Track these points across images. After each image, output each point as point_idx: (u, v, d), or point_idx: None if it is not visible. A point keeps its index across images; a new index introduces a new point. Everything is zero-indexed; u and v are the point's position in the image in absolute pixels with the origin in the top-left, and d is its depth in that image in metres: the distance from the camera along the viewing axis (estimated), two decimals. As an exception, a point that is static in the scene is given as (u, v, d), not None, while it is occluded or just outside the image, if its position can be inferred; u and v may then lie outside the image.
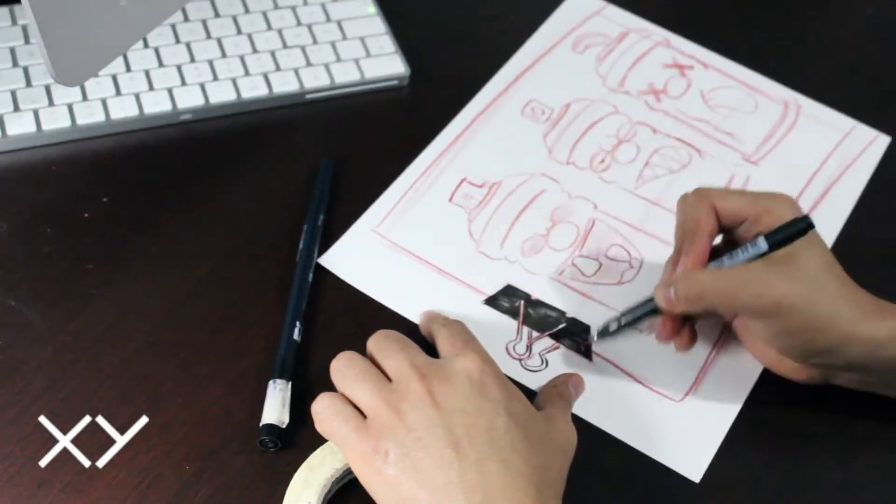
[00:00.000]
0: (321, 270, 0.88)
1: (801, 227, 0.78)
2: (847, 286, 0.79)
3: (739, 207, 0.81)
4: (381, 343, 0.77)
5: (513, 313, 0.88)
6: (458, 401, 0.72)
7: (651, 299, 0.81)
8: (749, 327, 0.83)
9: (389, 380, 0.74)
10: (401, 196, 0.94)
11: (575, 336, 0.87)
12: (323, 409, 0.74)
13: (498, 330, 0.87)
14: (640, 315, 0.82)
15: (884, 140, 1.03)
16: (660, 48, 1.08)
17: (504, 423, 0.71)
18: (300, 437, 0.78)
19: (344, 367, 0.76)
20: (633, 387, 0.85)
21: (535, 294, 0.89)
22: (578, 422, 0.82)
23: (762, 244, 0.78)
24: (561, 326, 0.87)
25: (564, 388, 0.81)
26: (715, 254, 0.82)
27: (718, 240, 0.84)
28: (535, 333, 0.87)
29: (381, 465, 0.70)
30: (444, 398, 0.72)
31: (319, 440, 0.76)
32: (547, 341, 0.86)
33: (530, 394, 0.82)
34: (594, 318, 0.88)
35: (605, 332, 0.84)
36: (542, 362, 0.85)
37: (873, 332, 0.77)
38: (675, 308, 0.79)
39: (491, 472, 0.69)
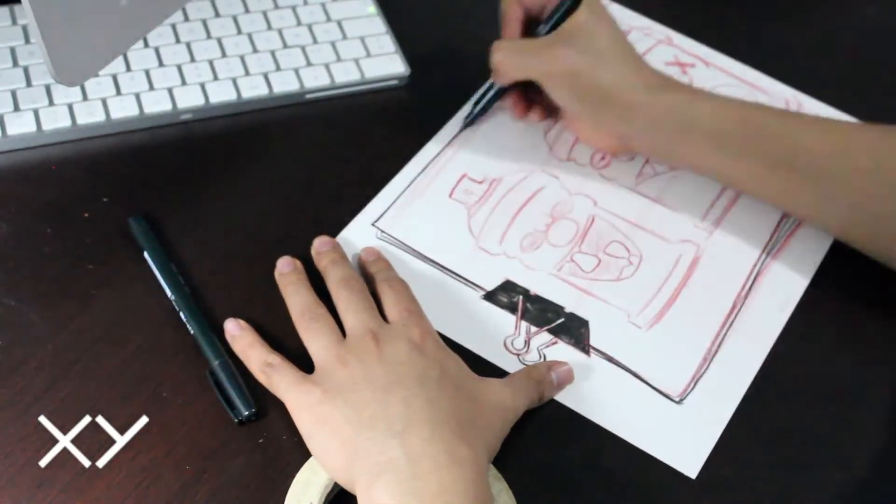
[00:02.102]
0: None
1: (568, 4, 0.90)
2: (632, 60, 0.90)
3: None
4: (350, 300, 0.82)
5: (512, 308, 0.88)
6: (398, 355, 0.77)
7: (490, 84, 0.96)
8: (560, 102, 0.93)
9: (344, 333, 0.81)
10: (401, 191, 0.94)
11: (573, 332, 0.87)
12: (262, 365, 0.80)
13: (496, 325, 0.87)
14: (490, 97, 0.97)
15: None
16: (661, 46, 1.09)
17: (436, 374, 0.76)
18: (304, 441, 0.78)
19: (308, 319, 0.82)
20: (630, 383, 0.85)
21: (534, 290, 0.89)
22: (576, 418, 0.82)
23: (542, 29, 0.92)
24: (559, 322, 0.87)
25: (537, 369, 0.83)
26: None
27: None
28: (533, 329, 0.87)
29: (316, 403, 0.75)
30: (385, 353, 0.77)
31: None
32: (545, 336, 0.87)
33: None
34: (593, 313, 0.88)
35: (469, 120, 0.98)
36: (541, 357, 0.85)
37: (652, 105, 0.88)
38: (497, 78, 0.94)
39: (415, 406, 0.73)
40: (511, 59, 0.92)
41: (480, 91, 0.98)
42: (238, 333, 0.82)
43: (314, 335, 0.80)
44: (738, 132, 0.87)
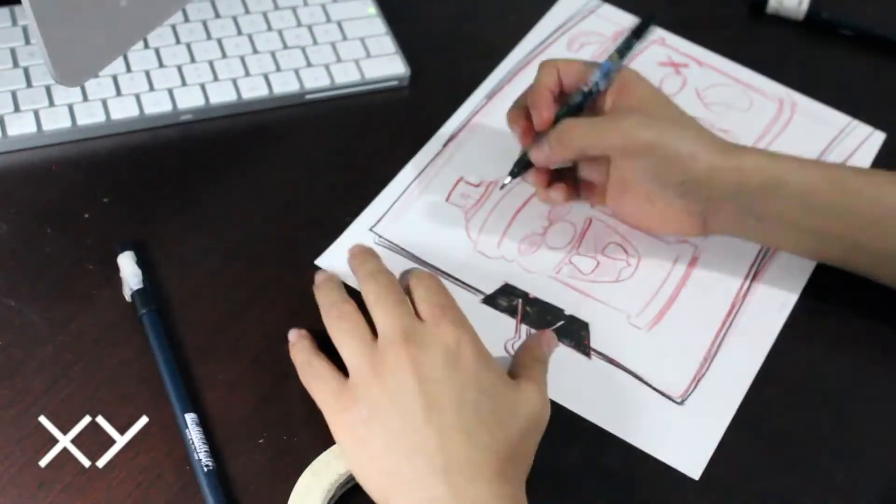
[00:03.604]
0: (318, 272, 0.88)
1: (644, 23, 0.91)
2: (700, 127, 0.87)
3: (579, 66, 0.88)
4: (379, 294, 0.79)
5: (511, 312, 0.88)
6: (433, 370, 0.74)
7: (524, 154, 0.89)
8: (625, 183, 0.87)
9: (376, 334, 0.77)
10: (398, 196, 0.94)
11: (573, 334, 0.87)
12: (303, 366, 0.79)
13: (497, 329, 0.87)
14: (518, 170, 0.89)
15: (879, 136, 1.03)
16: (655, 46, 1.09)
17: (473, 396, 0.73)
18: (304, 441, 0.79)
19: (335, 318, 0.79)
20: (631, 384, 0.85)
21: (533, 293, 0.89)
22: (578, 420, 0.82)
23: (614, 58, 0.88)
24: (559, 324, 0.88)
25: (538, 349, 0.82)
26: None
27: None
28: (533, 332, 0.87)
29: (355, 423, 0.74)
30: (422, 366, 0.74)
31: (323, 445, 0.77)
32: (545, 340, 0.87)
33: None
34: (592, 315, 0.88)
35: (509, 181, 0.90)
36: (541, 361, 0.85)
37: (738, 162, 0.84)
38: (550, 159, 0.87)
39: (454, 441, 0.71)
40: (584, 134, 0.85)
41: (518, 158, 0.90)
42: (294, 341, 0.82)
43: (344, 337, 0.78)
44: (826, 190, 0.84)
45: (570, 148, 0.85)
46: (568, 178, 0.91)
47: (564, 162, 0.89)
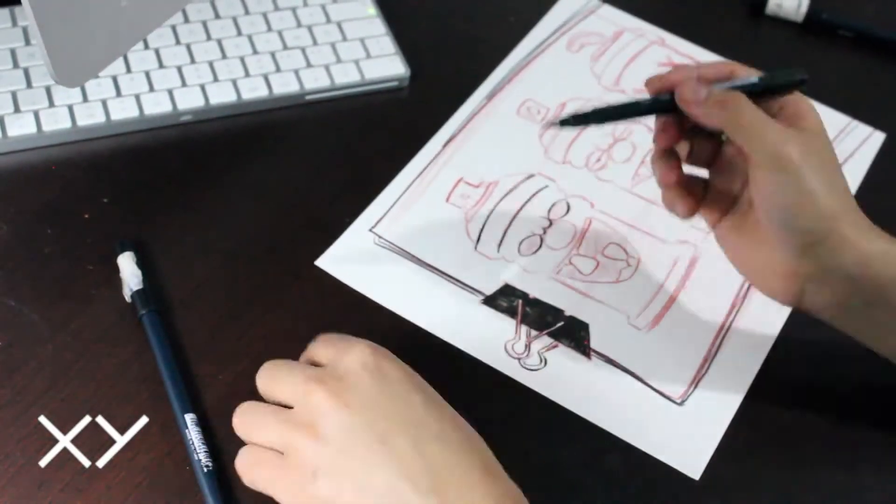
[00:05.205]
0: (319, 272, 0.88)
1: (797, 78, 0.79)
2: (852, 202, 0.76)
3: (719, 68, 0.79)
4: (268, 374, 0.74)
5: (511, 312, 0.88)
6: (364, 394, 0.68)
7: (660, 100, 0.78)
8: (747, 204, 0.79)
9: (291, 407, 0.71)
10: (398, 196, 0.94)
11: (573, 334, 0.87)
12: (241, 466, 0.72)
13: (497, 329, 0.87)
14: (637, 109, 0.79)
15: (878, 136, 1.03)
16: (654, 47, 1.09)
17: (420, 399, 0.69)
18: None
19: (243, 422, 0.73)
20: (631, 385, 0.85)
21: (534, 293, 0.89)
22: (577, 420, 0.82)
23: (754, 77, 0.78)
24: (559, 325, 0.87)
25: None
26: None
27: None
28: (533, 332, 0.87)
29: (313, 489, 0.67)
30: (351, 396, 0.68)
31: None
32: (546, 340, 0.87)
33: (530, 393, 0.83)
34: (592, 316, 0.88)
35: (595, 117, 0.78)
36: (541, 361, 0.85)
37: (867, 241, 0.75)
38: (698, 104, 0.75)
39: (430, 453, 0.66)
40: (748, 114, 0.74)
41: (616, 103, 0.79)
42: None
43: (260, 430, 0.72)
44: None
45: (723, 115, 0.75)
46: (695, 189, 0.82)
47: (709, 123, 0.76)
